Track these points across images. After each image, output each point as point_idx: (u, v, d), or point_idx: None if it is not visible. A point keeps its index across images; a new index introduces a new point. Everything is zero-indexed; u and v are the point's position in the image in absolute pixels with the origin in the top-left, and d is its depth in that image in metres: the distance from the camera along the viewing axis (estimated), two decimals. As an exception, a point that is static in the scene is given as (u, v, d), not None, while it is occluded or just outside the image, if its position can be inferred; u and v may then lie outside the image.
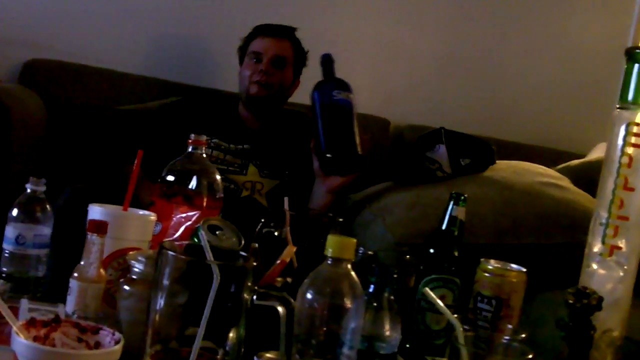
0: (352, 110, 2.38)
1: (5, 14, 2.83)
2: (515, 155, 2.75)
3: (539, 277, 1.73)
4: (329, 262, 1.17)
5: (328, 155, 2.31)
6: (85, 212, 1.46)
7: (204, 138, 1.65)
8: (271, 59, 2.56)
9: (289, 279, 1.49)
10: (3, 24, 2.83)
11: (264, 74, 2.54)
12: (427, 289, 1.42)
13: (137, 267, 1.32)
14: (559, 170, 2.64)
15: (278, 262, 1.44)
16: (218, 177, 1.65)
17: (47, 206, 1.56)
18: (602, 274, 1.48)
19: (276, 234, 1.65)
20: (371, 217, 2.31)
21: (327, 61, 2.45)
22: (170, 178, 1.61)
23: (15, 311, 1.21)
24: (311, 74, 2.59)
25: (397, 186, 2.47)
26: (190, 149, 1.64)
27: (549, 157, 2.96)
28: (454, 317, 1.27)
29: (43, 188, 1.56)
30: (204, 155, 1.65)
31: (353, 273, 1.17)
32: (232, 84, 2.74)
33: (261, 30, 2.62)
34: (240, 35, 2.66)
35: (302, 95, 2.56)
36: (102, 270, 1.36)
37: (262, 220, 1.66)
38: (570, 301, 1.37)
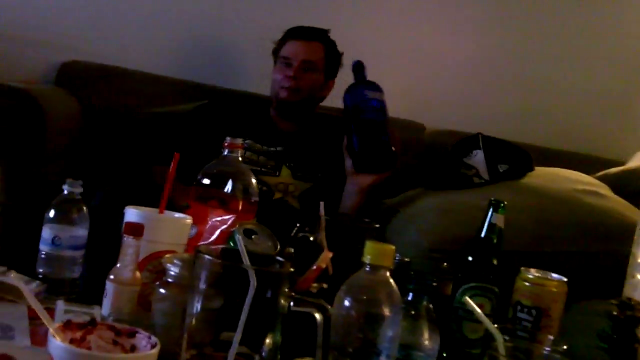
0: (384, 109, 2.38)
1: (42, 16, 2.84)
2: (552, 162, 2.70)
3: (575, 286, 1.70)
4: (367, 269, 1.15)
5: (360, 151, 2.31)
6: (119, 214, 1.46)
7: (239, 141, 1.64)
8: (300, 63, 2.54)
9: (324, 285, 1.48)
10: (40, 26, 2.84)
11: (293, 79, 2.52)
12: (467, 297, 1.39)
13: (173, 270, 1.31)
14: (597, 178, 2.60)
15: (314, 267, 1.42)
16: (253, 180, 1.64)
17: (84, 208, 1.56)
18: (646, 284, 1.45)
19: (311, 238, 1.63)
20: (404, 223, 2.29)
21: (358, 66, 2.45)
22: (206, 181, 1.61)
23: (51, 313, 1.21)
24: (344, 79, 2.58)
25: (431, 192, 2.44)
26: (225, 152, 1.62)
27: (587, 164, 2.90)
28: (494, 328, 1.25)
29: (80, 189, 1.56)
30: (240, 159, 1.64)
31: (391, 280, 1.15)
32: (264, 87, 2.74)
33: (292, 34, 2.60)
34: (273, 38, 2.65)
35: (337, 99, 2.54)
36: (137, 273, 1.35)
37: (297, 224, 1.65)
38: (614, 312, 1.33)
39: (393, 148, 2.33)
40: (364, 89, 2.40)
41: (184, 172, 1.75)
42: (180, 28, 2.98)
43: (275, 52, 2.62)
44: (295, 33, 2.60)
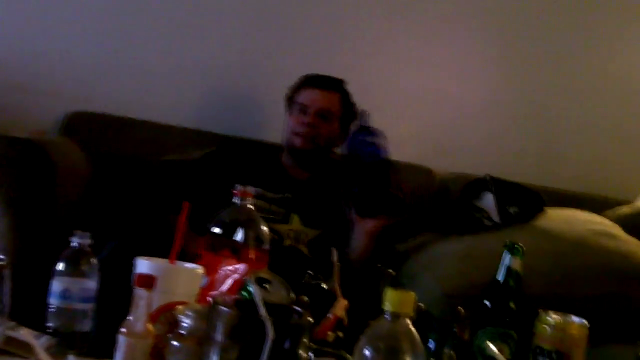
0: (381, 152, 2.38)
1: (47, 65, 2.84)
2: (561, 202, 2.68)
3: (592, 331, 1.67)
4: (387, 317, 1.12)
5: (359, 195, 2.32)
6: (130, 265, 1.43)
7: (251, 189, 1.62)
8: (317, 111, 2.51)
9: (340, 334, 1.45)
10: (45, 75, 2.84)
11: (309, 126, 2.49)
12: (488, 342, 1.36)
13: (186, 322, 1.28)
14: (607, 218, 2.58)
15: (330, 316, 1.39)
16: (265, 228, 1.62)
17: (93, 259, 1.53)
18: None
19: (324, 286, 1.61)
20: (418, 269, 2.27)
21: (360, 115, 2.48)
22: (217, 230, 1.58)
23: (61, 368, 1.18)
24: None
25: (444, 237, 2.42)
26: (236, 200, 1.60)
27: (595, 204, 2.87)
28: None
29: (88, 241, 1.54)
30: (251, 207, 1.62)
31: (413, 329, 1.12)
32: (274, 135, 2.72)
33: (309, 82, 2.58)
34: (283, 85, 2.64)
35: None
36: (150, 325, 1.33)
37: (309, 272, 1.62)
38: (640, 356, 1.30)
39: (395, 191, 2.32)
40: (363, 134, 2.41)
41: (194, 220, 1.73)
42: (188, 77, 2.97)
43: (290, 99, 2.60)
44: (313, 81, 2.58)
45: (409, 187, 2.39)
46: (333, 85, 2.58)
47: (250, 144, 2.79)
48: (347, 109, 2.60)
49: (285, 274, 1.49)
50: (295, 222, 2.49)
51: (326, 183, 2.59)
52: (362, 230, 2.36)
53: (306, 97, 2.54)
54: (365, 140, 2.40)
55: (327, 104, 2.53)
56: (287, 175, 2.57)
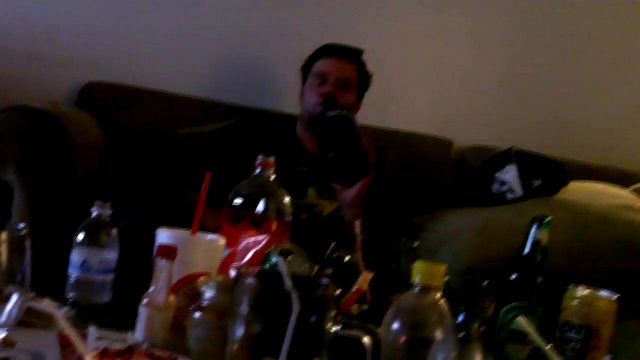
0: (345, 121, 2.34)
1: (62, 36, 2.80)
2: (584, 176, 2.64)
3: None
4: (417, 290, 1.09)
5: (331, 156, 2.25)
6: (149, 236, 1.41)
7: (272, 160, 1.59)
8: (337, 81, 2.48)
9: (364, 307, 1.42)
10: (60, 46, 2.80)
11: (328, 97, 2.45)
12: (521, 318, 1.33)
13: (208, 294, 1.26)
14: (632, 192, 2.54)
15: (354, 289, 1.37)
16: (287, 199, 1.59)
17: (113, 231, 1.51)
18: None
19: (346, 259, 1.58)
20: (438, 243, 2.23)
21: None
22: (238, 202, 1.55)
23: (83, 339, 1.16)
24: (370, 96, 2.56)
25: (463, 210, 2.39)
26: (257, 171, 1.57)
27: (619, 178, 2.83)
28: (549, 349, 1.19)
29: (109, 212, 1.51)
30: (272, 178, 1.59)
31: (443, 302, 1.09)
32: (288, 106, 2.69)
33: (327, 51, 2.54)
34: (298, 56, 2.60)
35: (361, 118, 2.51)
36: (171, 297, 1.30)
37: (332, 244, 1.60)
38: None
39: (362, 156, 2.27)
40: (326, 110, 2.39)
41: (212, 192, 1.71)
42: (203, 47, 2.93)
43: (307, 69, 2.56)
44: (331, 51, 2.54)
45: (372, 148, 2.34)
46: (351, 55, 2.55)
47: (268, 116, 2.76)
48: (364, 79, 2.58)
49: (307, 247, 1.48)
50: (311, 196, 2.46)
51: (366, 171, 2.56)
52: (345, 200, 2.33)
53: (326, 66, 2.50)
54: (327, 115, 2.37)
55: (347, 73, 2.50)
56: (302, 148, 2.54)
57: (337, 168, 2.25)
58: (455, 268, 2.11)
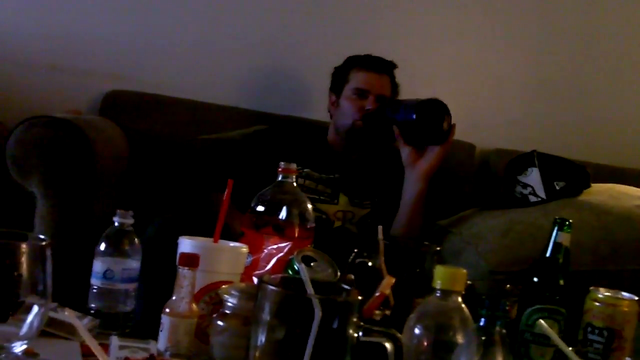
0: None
1: (85, 45, 2.83)
2: (607, 178, 2.63)
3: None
4: (438, 294, 1.09)
5: (418, 118, 2.30)
6: (175, 243, 1.41)
7: (294, 166, 1.59)
8: (376, 97, 2.50)
9: (387, 312, 1.42)
10: (83, 55, 2.83)
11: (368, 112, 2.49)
12: (542, 321, 1.33)
13: (231, 301, 1.26)
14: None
15: (377, 294, 1.36)
16: (309, 206, 1.59)
17: (135, 239, 1.52)
18: None
19: (369, 264, 1.58)
20: (463, 245, 2.23)
21: None
22: (260, 208, 1.56)
23: (105, 348, 1.17)
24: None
25: (487, 212, 2.38)
26: (280, 178, 1.58)
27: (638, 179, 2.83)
28: (571, 352, 1.18)
29: (131, 221, 1.53)
30: (294, 184, 1.59)
31: (464, 306, 1.09)
32: (314, 112, 2.70)
33: (365, 63, 2.56)
34: (320, 62, 2.62)
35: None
36: (194, 305, 1.31)
37: (355, 250, 1.60)
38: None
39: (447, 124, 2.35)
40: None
41: (242, 198, 1.71)
42: (227, 55, 2.95)
43: (341, 77, 2.58)
44: (369, 63, 2.56)
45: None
46: (386, 68, 2.57)
47: (299, 123, 2.78)
48: (395, 91, 2.62)
49: (334, 255, 1.48)
50: (343, 203, 2.47)
51: (374, 163, 2.57)
52: (417, 172, 2.36)
53: (365, 81, 2.53)
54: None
55: (384, 89, 2.54)
56: (334, 155, 2.55)
57: (418, 129, 2.32)
58: (481, 269, 2.11)
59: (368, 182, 2.53)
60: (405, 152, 2.37)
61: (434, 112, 2.32)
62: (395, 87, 2.61)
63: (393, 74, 2.59)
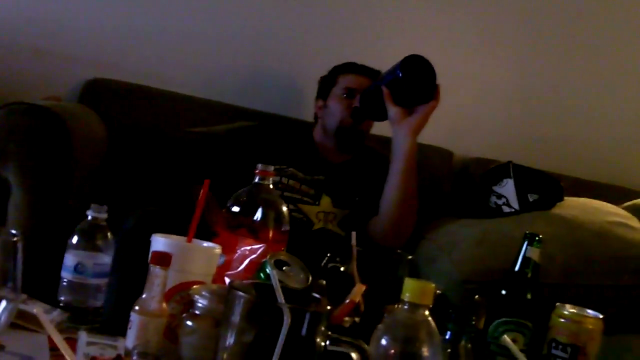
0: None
1: (69, 31, 2.80)
2: (581, 192, 2.66)
3: (608, 320, 1.65)
4: (406, 307, 1.10)
5: (404, 76, 2.27)
6: (149, 241, 1.41)
7: (272, 169, 1.60)
8: None
9: (357, 319, 1.43)
10: (66, 41, 2.80)
11: (356, 110, 2.50)
12: (505, 337, 1.35)
13: (202, 302, 1.26)
14: (625, 209, 2.56)
15: (347, 301, 1.38)
16: (284, 208, 1.59)
17: (108, 234, 1.52)
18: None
19: (342, 269, 1.59)
20: (437, 252, 2.25)
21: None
22: (236, 209, 1.56)
23: (73, 343, 1.17)
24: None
25: (463, 220, 2.40)
26: (257, 179, 1.58)
27: (615, 194, 2.86)
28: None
29: (105, 215, 1.52)
30: (271, 186, 1.59)
31: (431, 319, 1.10)
32: (301, 112, 2.70)
33: (355, 69, 2.59)
34: (313, 63, 2.63)
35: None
36: (164, 304, 1.31)
37: (328, 254, 1.61)
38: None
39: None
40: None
41: (224, 194, 1.71)
42: (211, 48, 2.93)
43: (329, 82, 2.60)
44: (357, 68, 2.59)
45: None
46: (372, 74, 2.58)
47: (287, 122, 2.79)
48: None
49: (314, 256, 1.48)
50: (325, 204, 2.47)
51: (358, 166, 2.59)
52: (406, 128, 2.32)
53: (354, 82, 2.55)
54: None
55: None
56: (320, 156, 2.56)
57: (405, 86, 2.29)
58: (454, 278, 2.13)
59: (352, 185, 2.53)
60: (392, 111, 2.31)
61: (419, 66, 2.30)
62: None
63: None
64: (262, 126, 2.60)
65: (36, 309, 1.22)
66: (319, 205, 2.46)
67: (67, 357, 1.07)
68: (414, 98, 2.31)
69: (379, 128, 2.56)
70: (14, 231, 1.06)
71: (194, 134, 2.65)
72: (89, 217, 1.52)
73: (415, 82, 2.29)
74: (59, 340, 1.07)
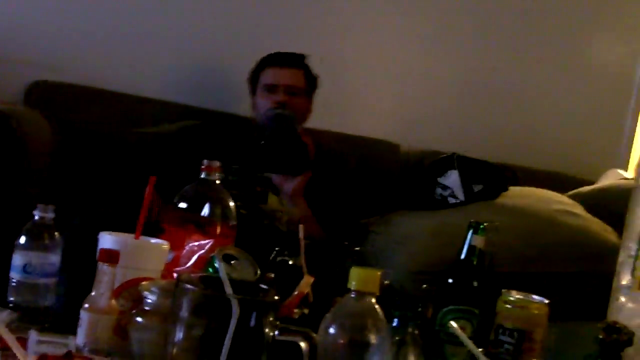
0: (282, 116, 2.46)
1: (11, 33, 2.77)
2: (526, 180, 2.70)
3: (560, 308, 1.69)
4: (352, 295, 1.12)
5: (263, 143, 2.33)
6: (97, 239, 1.41)
7: (217, 164, 1.61)
8: (286, 88, 2.55)
9: (305, 311, 1.45)
10: (8, 43, 2.76)
11: (280, 104, 2.52)
12: (452, 322, 1.37)
13: (150, 298, 1.27)
14: (570, 197, 2.61)
15: (296, 293, 1.39)
16: (232, 204, 1.61)
17: (56, 234, 1.51)
18: (631, 307, 1.44)
19: (290, 262, 1.61)
20: (390, 245, 2.27)
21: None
22: (183, 205, 1.57)
23: (23, 343, 1.17)
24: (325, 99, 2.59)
25: (413, 213, 2.43)
26: (203, 175, 1.59)
27: (559, 182, 2.91)
28: (479, 352, 1.23)
29: (51, 215, 1.52)
30: (217, 182, 1.60)
31: (377, 307, 1.12)
32: (248, 109, 2.71)
33: (272, 61, 2.60)
34: (257, 59, 2.63)
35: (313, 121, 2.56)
36: (113, 301, 1.31)
37: (276, 248, 1.62)
38: (600, 336, 1.32)
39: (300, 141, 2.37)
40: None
41: (171, 193, 1.71)
42: (160, 47, 2.92)
43: (254, 80, 2.60)
44: (275, 60, 2.60)
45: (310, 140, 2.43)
46: (296, 62, 2.60)
47: (228, 120, 2.79)
48: (311, 82, 2.64)
49: (260, 252, 1.49)
50: (273, 202, 2.48)
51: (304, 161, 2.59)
52: (286, 194, 2.39)
53: (273, 76, 2.56)
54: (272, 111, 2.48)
55: (294, 80, 2.57)
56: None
57: (271, 156, 2.33)
58: (409, 269, 2.15)
59: None
60: (273, 176, 2.40)
61: (283, 133, 2.38)
62: (311, 78, 2.64)
63: (306, 66, 2.63)
64: (206, 125, 2.61)
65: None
66: (266, 203, 2.47)
67: (19, 356, 1.07)
68: (282, 167, 2.37)
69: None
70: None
71: (138, 134, 2.64)
72: (36, 217, 1.51)
73: (279, 153, 2.34)
74: (10, 339, 1.07)
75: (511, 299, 1.57)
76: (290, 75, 2.56)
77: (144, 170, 2.22)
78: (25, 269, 1.48)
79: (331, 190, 2.45)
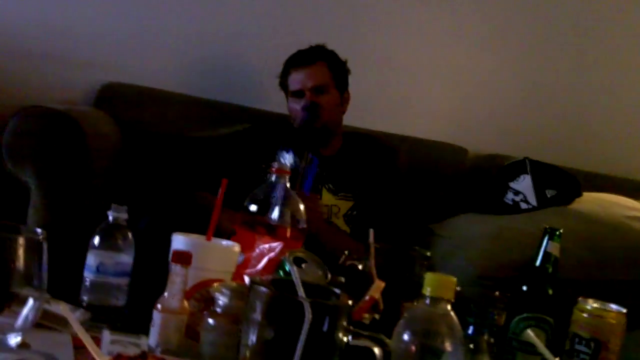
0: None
1: (81, 36, 2.83)
2: (598, 187, 2.65)
3: (627, 316, 1.64)
4: (427, 301, 1.10)
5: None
6: (165, 239, 1.42)
7: (287, 167, 1.61)
8: (311, 90, 2.51)
9: (376, 316, 1.43)
10: (80, 46, 2.83)
11: (309, 107, 2.48)
12: (529, 331, 1.34)
13: (222, 299, 1.27)
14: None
15: (367, 298, 1.38)
16: (301, 206, 1.60)
17: (129, 234, 1.53)
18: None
19: (360, 267, 1.59)
20: (451, 249, 2.25)
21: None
22: (253, 208, 1.57)
23: (96, 342, 1.18)
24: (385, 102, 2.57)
25: (477, 217, 2.40)
26: (273, 178, 1.59)
27: (633, 189, 2.84)
28: (556, 362, 1.20)
29: (125, 215, 1.53)
30: (288, 185, 1.60)
31: (452, 313, 1.10)
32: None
33: (292, 63, 2.58)
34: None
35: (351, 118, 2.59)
36: (185, 302, 1.32)
37: (346, 252, 1.61)
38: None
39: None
40: None
41: (226, 197, 1.72)
42: (220, 50, 2.95)
43: (283, 86, 2.61)
44: (295, 61, 2.57)
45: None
46: (315, 57, 2.57)
47: (281, 121, 2.79)
48: (338, 71, 2.60)
49: (321, 254, 1.49)
50: (327, 197, 2.48)
51: (350, 154, 2.60)
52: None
53: (295, 81, 2.55)
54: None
55: (318, 79, 2.54)
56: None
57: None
58: (469, 274, 2.13)
59: (347, 175, 2.54)
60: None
61: None
62: (337, 67, 2.60)
63: (327, 57, 2.59)
64: (256, 127, 2.61)
65: (62, 308, 1.23)
66: (320, 199, 2.46)
67: (94, 354, 1.07)
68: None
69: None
70: (39, 230, 1.07)
71: (197, 139, 2.67)
72: (110, 218, 1.53)
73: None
74: (86, 338, 1.08)
75: (588, 307, 1.53)
76: (313, 74, 2.53)
77: (204, 174, 2.27)
78: (98, 268, 1.49)
79: (381, 184, 2.42)
